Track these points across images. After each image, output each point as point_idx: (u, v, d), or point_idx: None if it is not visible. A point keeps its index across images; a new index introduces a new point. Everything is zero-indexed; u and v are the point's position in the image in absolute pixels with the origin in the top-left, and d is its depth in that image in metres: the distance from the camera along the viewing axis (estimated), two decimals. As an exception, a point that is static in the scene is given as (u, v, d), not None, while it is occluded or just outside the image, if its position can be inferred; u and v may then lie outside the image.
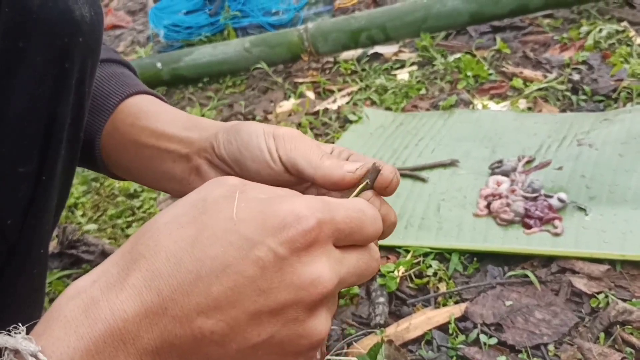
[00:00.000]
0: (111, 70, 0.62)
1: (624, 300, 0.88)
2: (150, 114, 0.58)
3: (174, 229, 0.36)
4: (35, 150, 0.47)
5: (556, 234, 1.00)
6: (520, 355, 0.84)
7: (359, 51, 1.88)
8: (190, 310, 0.34)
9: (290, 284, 0.35)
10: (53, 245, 1.29)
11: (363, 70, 1.79)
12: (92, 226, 1.37)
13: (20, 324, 0.34)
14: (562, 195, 1.05)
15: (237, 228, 0.35)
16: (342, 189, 0.46)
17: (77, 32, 0.46)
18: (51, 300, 1.18)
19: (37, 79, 0.45)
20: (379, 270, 1.01)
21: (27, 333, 0.34)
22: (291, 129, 0.50)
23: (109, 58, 0.63)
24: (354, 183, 0.45)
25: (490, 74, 1.58)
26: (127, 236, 1.32)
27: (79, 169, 1.61)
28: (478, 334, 0.88)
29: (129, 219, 1.38)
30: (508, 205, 1.07)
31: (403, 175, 1.24)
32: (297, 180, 0.49)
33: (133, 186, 1.48)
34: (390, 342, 0.88)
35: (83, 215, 1.42)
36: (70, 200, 1.47)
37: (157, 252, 0.35)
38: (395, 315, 0.96)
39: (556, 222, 1.02)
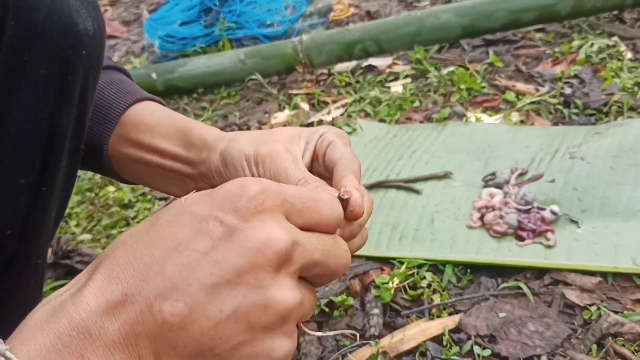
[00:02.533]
0: (110, 78, 0.63)
1: (616, 312, 0.89)
2: (151, 128, 0.59)
3: (133, 228, 0.38)
4: (36, 161, 0.48)
5: (549, 246, 1.01)
6: (513, 367, 0.84)
7: (353, 63, 1.89)
8: (149, 294, 0.34)
9: (242, 249, 0.34)
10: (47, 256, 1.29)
11: (357, 82, 1.81)
12: (86, 236, 1.36)
13: None
14: (555, 208, 1.07)
15: (186, 209, 0.37)
16: None
17: (80, 45, 0.47)
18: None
19: (40, 91, 0.46)
20: (374, 281, 1.02)
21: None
22: (272, 146, 0.50)
23: (106, 65, 0.64)
24: None
25: (483, 87, 1.59)
26: (121, 246, 1.32)
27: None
28: (472, 346, 0.88)
29: (124, 229, 1.38)
30: (501, 217, 1.08)
31: (397, 187, 1.25)
32: None
33: (127, 196, 1.48)
34: (384, 353, 0.88)
35: (77, 225, 1.42)
36: (64, 210, 1.46)
37: (117, 248, 0.36)
38: (390, 327, 0.96)
39: (549, 234, 1.03)
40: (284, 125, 1.66)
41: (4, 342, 0.34)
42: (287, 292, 0.36)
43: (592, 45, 1.64)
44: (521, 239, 1.04)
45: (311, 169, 0.53)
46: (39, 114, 0.46)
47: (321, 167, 0.53)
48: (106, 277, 0.35)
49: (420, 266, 1.04)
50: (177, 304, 0.34)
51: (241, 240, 0.35)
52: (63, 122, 0.48)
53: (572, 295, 0.93)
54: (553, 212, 1.06)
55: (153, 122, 0.60)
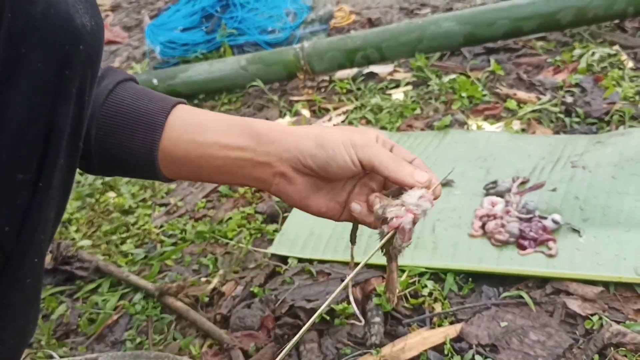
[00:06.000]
0: (134, 89, 0.66)
1: (618, 322, 0.88)
2: (205, 129, 0.64)
3: None
4: (35, 157, 0.47)
5: (550, 255, 1.01)
6: (515, 377, 0.84)
7: (354, 70, 1.89)
8: None
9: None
10: (47, 261, 1.28)
11: (358, 89, 1.81)
12: (86, 242, 1.36)
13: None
14: (556, 217, 1.06)
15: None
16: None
17: (78, 40, 0.47)
18: (44, 317, 1.17)
19: (38, 85, 0.45)
20: (375, 289, 1.02)
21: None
22: (364, 136, 0.63)
23: (124, 78, 0.67)
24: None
25: (485, 95, 1.59)
26: (121, 252, 1.31)
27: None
28: (473, 355, 0.88)
29: (124, 235, 1.37)
30: (503, 226, 1.07)
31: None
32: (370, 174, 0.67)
33: (128, 202, 1.47)
34: (385, 362, 0.88)
35: (77, 231, 1.42)
36: (65, 216, 1.46)
37: None
38: (391, 335, 0.96)
39: (550, 243, 1.03)
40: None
41: None
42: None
43: (593, 54, 1.65)
44: (523, 247, 1.04)
45: None
46: (37, 108, 0.46)
47: None
48: None
49: (421, 274, 1.04)
50: None
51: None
52: (61, 118, 0.48)
53: (574, 305, 0.93)
54: (555, 221, 1.06)
55: (203, 122, 0.64)
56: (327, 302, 0.58)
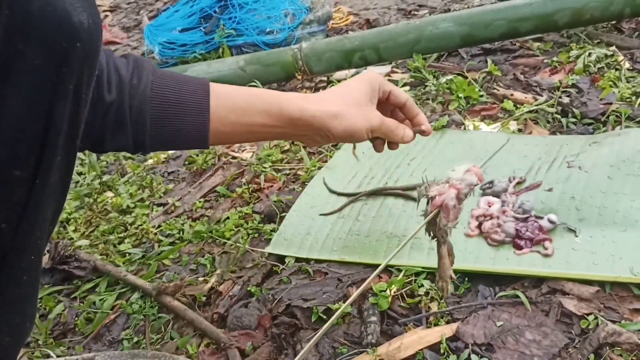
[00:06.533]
0: (166, 74, 0.75)
1: (614, 322, 0.89)
2: (246, 111, 0.77)
3: None
4: (32, 155, 0.47)
5: (546, 255, 1.02)
6: (511, 376, 0.84)
7: (352, 71, 1.90)
8: None
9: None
10: (44, 261, 1.29)
11: (356, 89, 1.81)
12: (84, 241, 1.36)
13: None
14: (553, 217, 1.07)
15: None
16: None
17: (75, 37, 0.47)
18: (41, 316, 1.17)
19: (35, 83, 0.46)
20: (371, 289, 1.02)
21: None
22: (378, 121, 0.81)
23: (154, 67, 0.75)
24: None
25: (482, 96, 1.60)
26: (119, 252, 1.32)
27: (71, 184, 1.60)
28: (469, 354, 0.88)
29: (121, 235, 1.38)
30: (499, 225, 1.08)
31: (395, 195, 1.25)
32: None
33: (126, 202, 1.48)
34: (382, 361, 0.88)
35: (75, 230, 1.42)
36: (63, 216, 1.46)
37: None
38: (387, 335, 0.96)
39: (546, 243, 1.03)
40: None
41: None
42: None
43: (590, 54, 1.65)
44: (519, 247, 1.04)
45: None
46: (34, 106, 0.46)
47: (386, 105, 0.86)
48: None
49: (418, 274, 1.04)
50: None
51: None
52: (58, 115, 0.48)
53: (570, 305, 0.93)
54: (551, 221, 1.06)
55: (242, 104, 0.76)
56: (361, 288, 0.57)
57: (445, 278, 0.69)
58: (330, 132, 0.78)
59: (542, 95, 1.55)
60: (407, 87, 1.75)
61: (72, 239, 1.38)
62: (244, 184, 1.45)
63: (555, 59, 1.72)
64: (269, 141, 1.58)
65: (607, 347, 0.85)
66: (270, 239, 1.22)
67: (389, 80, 1.82)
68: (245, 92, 0.79)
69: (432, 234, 0.64)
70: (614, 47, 1.69)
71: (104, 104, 0.69)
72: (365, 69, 1.89)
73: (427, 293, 1.00)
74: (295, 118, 0.77)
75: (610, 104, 1.43)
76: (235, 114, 0.76)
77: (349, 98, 0.80)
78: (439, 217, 0.59)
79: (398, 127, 0.83)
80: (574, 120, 1.42)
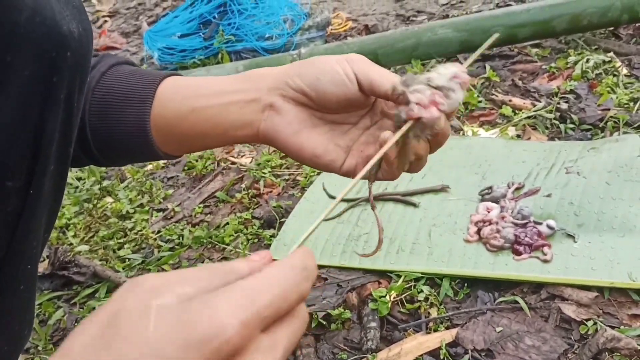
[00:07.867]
0: (129, 69, 0.67)
1: (613, 328, 0.89)
2: (198, 85, 0.64)
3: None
4: (24, 164, 0.47)
5: (545, 261, 1.02)
6: (510, 381, 0.84)
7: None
8: None
9: None
10: (44, 266, 1.29)
11: (355, 95, 1.81)
12: (83, 247, 1.36)
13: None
14: (551, 222, 1.07)
15: (156, 353, 0.30)
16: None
17: (65, 47, 0.47)
18: (41, 322, 1.17)
19: (25, 93, 0.45)
20: (371, 294, 1.02)
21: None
22: (358, 55, 0.58)
23: (118, 62, 0.68)
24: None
25: (480, 102, 1.60)
26: (119, 258, 1.32)
27: (70, 190, 1.60)
28: (469, 360, 0.89)
29: (121, 240, 1.38)
30: (498, 231, 1.08)
31: (394, 200, 1.25)
32: (364, 99, 0.59)
33: (125, 207, 1.48)
34: (381, 367, 0.88)
35: (75, 236, 1.42)
36: (62, 221, 1.46)
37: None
38: (387, 340, 0.96)
39: (545, 248, 1.04)
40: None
41: None
42: None
43: (588, 60, 1.66)
44: (518, 253, 1.05)
45: None
46: (25, 115, 0.46)
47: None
48: None
49: (417, 279, 1.05)
50: None
51: None
52: (50, 124, 0.48)
53: (569, 310, 0.94)
54: (549, 227, 1.07)
55: (197, 81, 0.64)
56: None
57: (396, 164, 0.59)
58: (287, 74, 0.61)
59: (540, 101, 1.56)
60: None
61: (71, 244, 1.38)
62: (244, 189, 1.45)
63: (553, 65, 1.72)
64: (261, 144, 1.57)
65: (606, 353, 0.85)
66: (269, 245, 1.22)
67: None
68: (206, 78, 0.67)
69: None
70: (611, 53, 1.70)
71: None
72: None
73: (426, 299, 1.01)
74: (253, 73, 0.64)
75: (608, 110, 1.43)
76: (182, 93, 0.65)
77: None
78: (414, 129, 0.53)
79: None
80: (572, 126, 1.43)
